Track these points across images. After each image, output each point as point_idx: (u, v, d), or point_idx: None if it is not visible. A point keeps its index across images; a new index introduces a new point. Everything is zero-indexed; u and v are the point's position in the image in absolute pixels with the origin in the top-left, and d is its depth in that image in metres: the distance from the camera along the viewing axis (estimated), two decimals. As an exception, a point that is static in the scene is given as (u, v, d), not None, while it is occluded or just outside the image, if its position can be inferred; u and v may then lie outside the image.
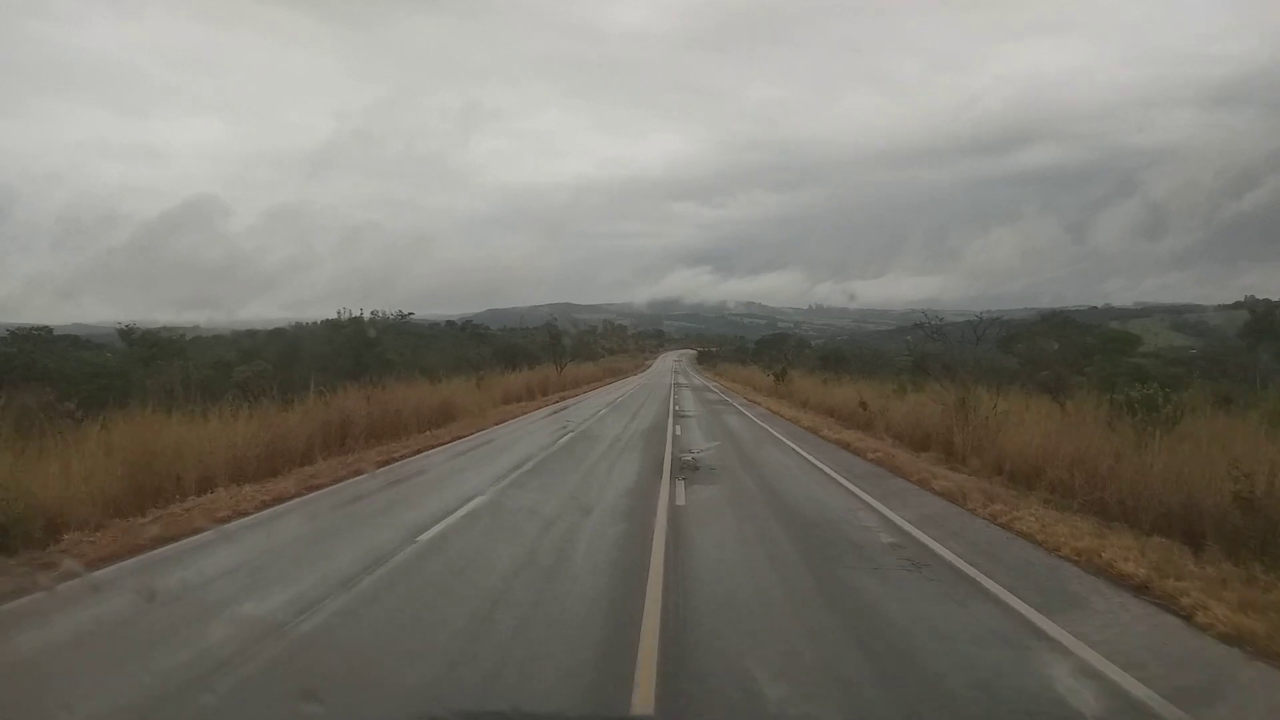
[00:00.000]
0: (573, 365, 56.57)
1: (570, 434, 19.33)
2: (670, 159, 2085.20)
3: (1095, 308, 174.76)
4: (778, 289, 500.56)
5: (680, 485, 11.37)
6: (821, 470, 13.46)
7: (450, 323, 55.85)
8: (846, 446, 16.86)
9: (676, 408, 28.71)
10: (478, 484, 11.42)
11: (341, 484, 11.50)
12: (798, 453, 16.07)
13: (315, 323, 35.51)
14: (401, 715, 3.94)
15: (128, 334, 24.95)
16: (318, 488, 10.98)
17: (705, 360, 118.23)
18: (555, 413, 27.19)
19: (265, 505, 9.61)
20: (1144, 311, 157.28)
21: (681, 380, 62.53)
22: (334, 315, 33.05)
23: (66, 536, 7.47)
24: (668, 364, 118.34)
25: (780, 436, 19.51)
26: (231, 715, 4.15)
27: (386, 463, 13.73)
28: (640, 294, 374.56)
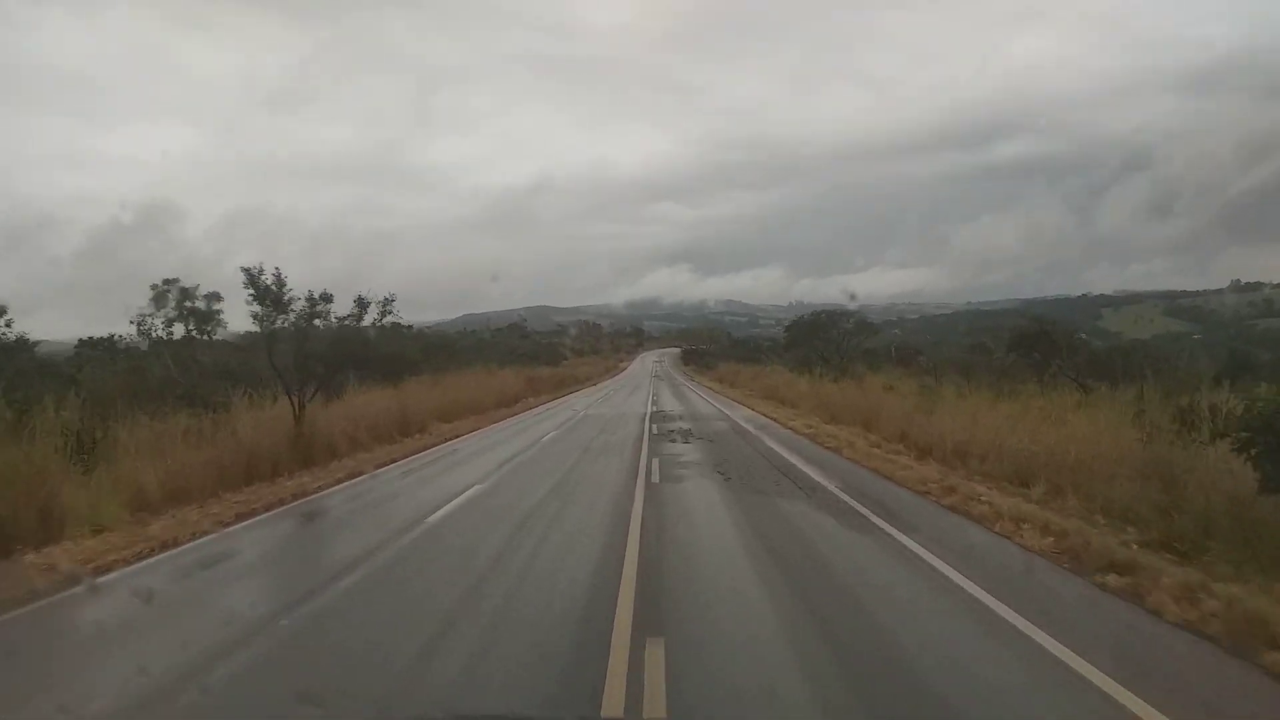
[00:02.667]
0: (478, 371, 33.07)
1: None
2: (650, 158, 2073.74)
3: (1084, 296, 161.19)
4: (757, 287, 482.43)
5: None
6: None
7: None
8: None
9: None
10: None
11: None
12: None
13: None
14: (400, 715, 3.95)
15: None
16: None
17: (694, 361, 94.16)
18: None
19: None
20: (1133, 299, 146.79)
21: (669, 409, 30.47)
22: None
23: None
24: (646, 367, 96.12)
25: None
26: None
27: None
28: (619, 295, 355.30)
